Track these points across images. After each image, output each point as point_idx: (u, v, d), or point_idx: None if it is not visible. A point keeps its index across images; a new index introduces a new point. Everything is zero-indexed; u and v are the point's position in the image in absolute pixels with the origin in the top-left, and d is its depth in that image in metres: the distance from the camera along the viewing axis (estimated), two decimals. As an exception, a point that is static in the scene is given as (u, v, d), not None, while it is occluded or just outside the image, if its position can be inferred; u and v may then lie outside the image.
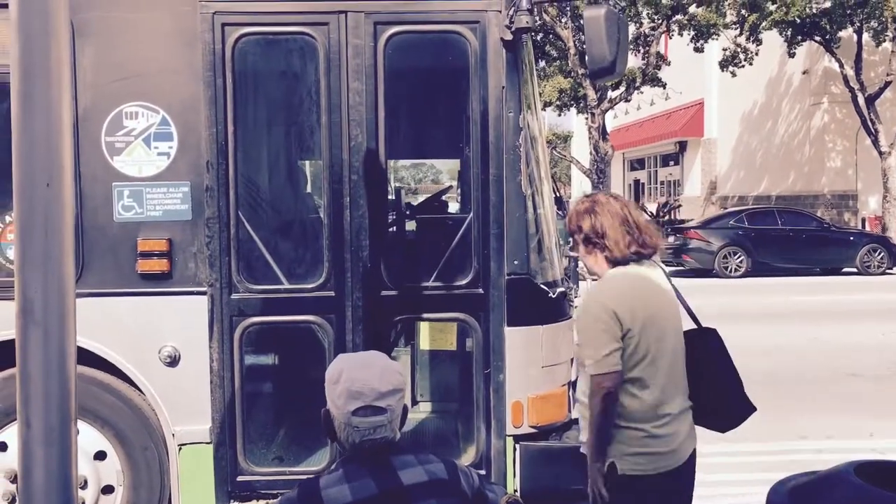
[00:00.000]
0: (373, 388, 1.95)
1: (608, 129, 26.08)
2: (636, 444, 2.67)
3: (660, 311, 2.73)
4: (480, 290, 3.87)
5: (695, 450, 2.87)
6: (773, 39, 23.35)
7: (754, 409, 3.00)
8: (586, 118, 25.26)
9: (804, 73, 26.54)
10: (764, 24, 21.99)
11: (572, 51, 22.81)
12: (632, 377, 2.65)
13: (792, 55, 23.41)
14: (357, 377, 1.97)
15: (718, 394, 2.90)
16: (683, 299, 2.91)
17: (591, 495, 2.68)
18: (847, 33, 22.64)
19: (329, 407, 2.02)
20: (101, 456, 3.70)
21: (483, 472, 3.83)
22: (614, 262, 2.76)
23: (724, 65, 23.96)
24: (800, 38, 22.64)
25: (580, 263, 4.86)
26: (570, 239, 2.91)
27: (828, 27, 21.88)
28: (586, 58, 3.70)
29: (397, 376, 2.01)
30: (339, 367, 2.02)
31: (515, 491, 3.78)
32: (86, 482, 3.66)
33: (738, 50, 23.27)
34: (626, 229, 2.75)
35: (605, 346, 2.60)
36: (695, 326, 2.98)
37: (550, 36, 24.80)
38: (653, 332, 2.68)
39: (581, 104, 26.92)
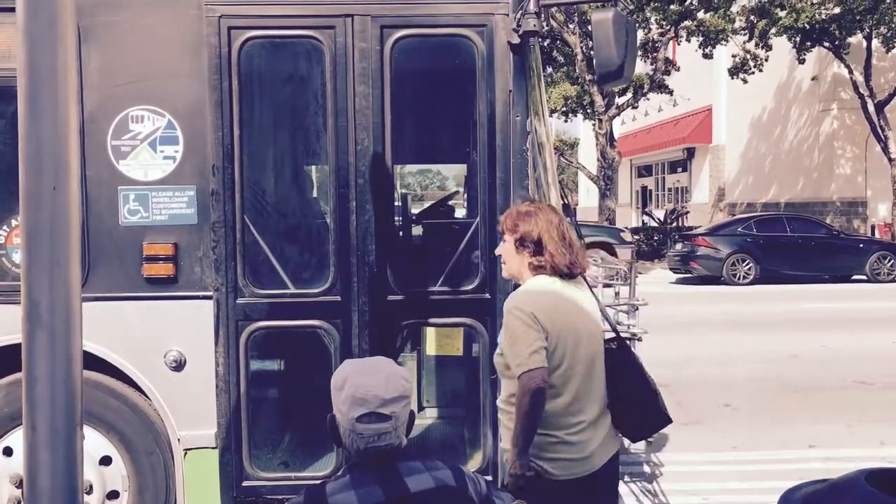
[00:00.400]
0: (377, 395, 1.93)
1: (615, 136, 26.05)
2: (549, 449, 2.72)
3: (577, 321, 2.78)
4: (487, 295, 3.86)
5: (616, 455, 2.91)
6: (782, 45, 23.30)
7: (669, 421, 3.04)
8: (593, 124, 25.25)
9: (813, 79, 26.46)
10: (773, 30, 21.95)
11: (580, 56, 22.80)
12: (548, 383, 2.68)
13: (801, 61, 23.34)
14: (361, 383, 1.95)
15: (633, 405, 2.92)
16: (608, 317, 3.00)
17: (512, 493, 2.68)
18: (856, 39, 22.57)
19: (335, 413, 2.00)
20: (106, 461, 3.69)
21: (490, 478, 3.81)
22: (539, 270, 2.80)
23: (733, 72, 23.93)
24: (809, 44, 22.58)
25: (590, 269, 4.85)
26: (501, 235, 2.90)
27: (837, 33, 21.81)
28: (594, 62, 3.69)
29: (403, 383, 1.99)
30: (344, 372, 2.01)
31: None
32: (91, 487, 3.65)
33: (748, 56, 23.22)
34: (562, 244, 2.79)
35: (531, 344, 2.64)
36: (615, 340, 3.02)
37: (558, 42, 24.82)
38: (569, 340, 2.73)
39: (588, 110, 26.91)
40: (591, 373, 2.80)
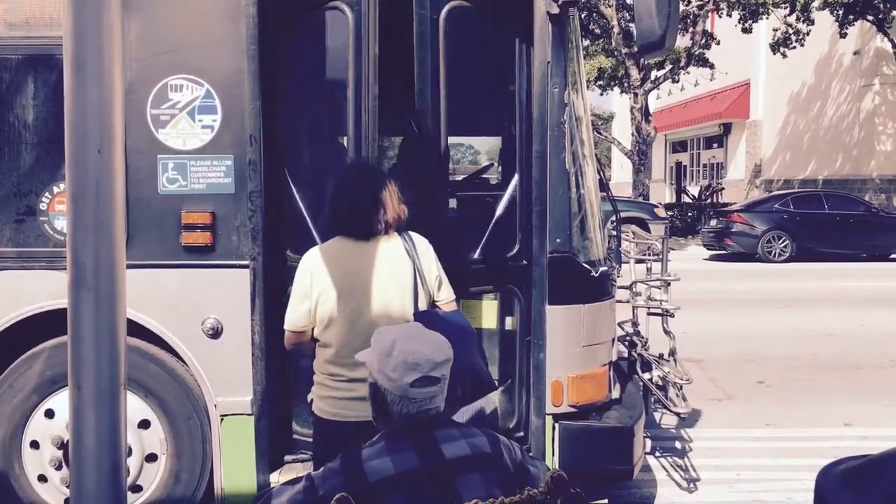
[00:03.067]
0: (429, 359, 1.96)
1: (651, 110, 25.72)
2: (328, 390, 2.95)
3: (365, 276, 2.95)
4: (524, 262, 3.86)
5: None
6: (823, 19, 22.77)
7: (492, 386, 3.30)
8: (629, 98, 24.94)
9: (855, 53, 25.84)
10: (816, 3, 21.44)
11: (616, 29, 22.48)
12: (326, 331, 2.94)
13: (843, 35, 22.80)
14: (413, 349, 1.97)
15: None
16: (420, 272, 3.03)
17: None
18: (900, 13, 21.99)
19: (378, 380, 2.00)
20: (144, 425, 3.76)
21: (526, 445, 3.82)
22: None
23: (774, 47, 23.45)
24: (852, 17, 22.03)
25: (623, 244, 4.82)
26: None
27: (881, 6, 21.25)
28: (634, 33, 3.63)
29: (447, 346, 2.03)
30: (389, 338, 2.01)
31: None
32: (130, 450, 3.72)
33: (790, 31, 22.73)
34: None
35: (298, 305, 2.96)
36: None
37: (594, 14, 24.47)
38: (353, 295, 2.93)
39: (624, 84, 26.58)
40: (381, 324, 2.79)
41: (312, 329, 3.00)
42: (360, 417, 2.70)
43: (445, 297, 3.13)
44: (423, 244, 3.10)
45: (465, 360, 2.80)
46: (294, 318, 2.98)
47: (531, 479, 2.04)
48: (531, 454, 3.63)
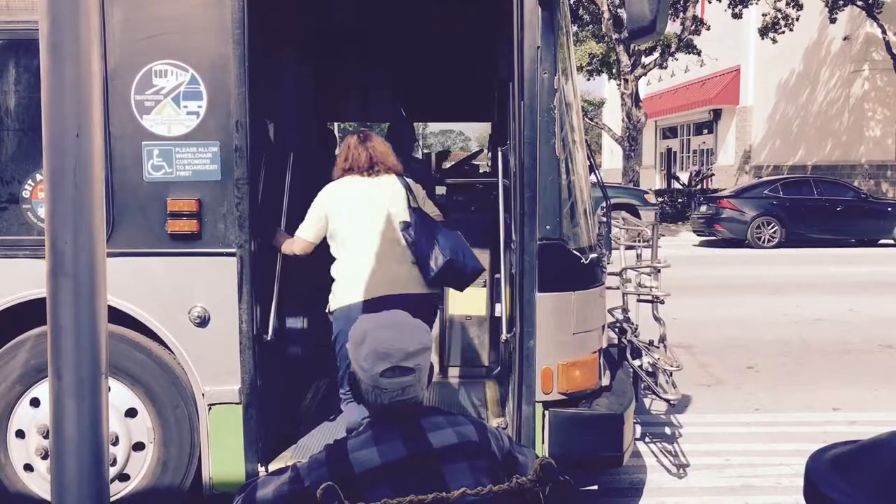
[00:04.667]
0: (400, 349, 1.92)
1: (641, 96, 25.68)
2: (343, 286, 3.84)
3: (373, 196, 3.88)
4: (514, 249, 3.84)
5: (411, 294, 3.84)
6: (813, 4, 22.75)
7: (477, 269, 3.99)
8: (619, 85, 24.90)
9: (845, 39, 25.85)
10: (805, -12, 21.43)
11: (606, 15, 22.42)
12: (337, 244, 3.90)
13: (833, 20, 22.80)
14: (384, 337, 1.93)
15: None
16: (413, 193, 3.99)
17: None
18: (890, -2, 22.01)
19: (354, 369, 1.99)
20: (131, 413, 3.73)
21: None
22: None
23: (763, 31, 23.43)
24: (841, 2, 22.03)
25: (613, 230, 4.81)
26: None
27: (871, -9, 21.27)
28: (625, 17, 3.60)
29: (424, 334, 1.98)
30: (362, 327, 1.98)
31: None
32: (117, 439, 3.70)
33: (779, 16, 22.72)
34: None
35: (315, 220, 3.90)
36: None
37: (584, 0, 24.41)
38: (353, 218, 3.86)
39: (613, 70, 26.54)
40: (378, 240, 3.84)
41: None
42: (371, 296, 3.74)
43: (432, 211, 4.11)
44: (412, 181, 4.05)
45: (458, 240, 3.89)
46: (309, 229, 3.89)
47: (520, 467, 2.02)
48: (519, 442, 3.63)
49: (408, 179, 4.03)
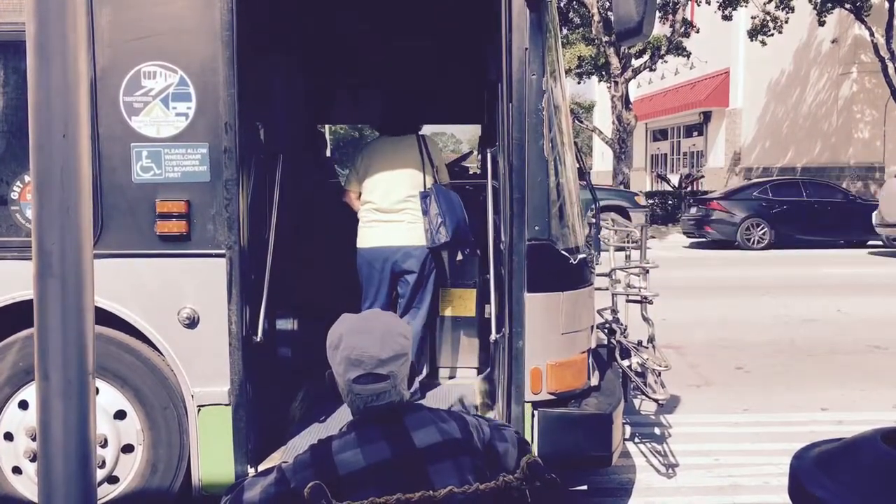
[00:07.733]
0: (372, 356, 1.88)
1: (631, 99, 25.75)
2: (368, 228, 4.70)
3: (400, 151, 4.74)
4: (503, 250, 3.85)
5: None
6: (802, 7, 22.87)
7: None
8: (609, 87, 24.96)
9: (833, 41, 26.00)
10: (794, -10, 21.54)
11: (596, 17, 22.48)
12: (364, 187, 4.76)
13: (822, 23, 22.92)
14: (356, 344, 1.90)
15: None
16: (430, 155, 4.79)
17: None
18: (878, 0, 22.13)
19: (332, 371, 1.98)
20: (120, 415, 3.72)
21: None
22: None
23: (752, 34, 23.54)
24: (830, 5, 22.15)
25: (602, 231, 4.83)
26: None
27: (859, -6, 21.39)
28: (612, 18, 3.61)
29: (399, 340, 1.93)
30: (338, 331, 1.96)
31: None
32: (106, 441, 3.69)
33: (768, 18, 22.83)
34: None
35: (353, 173, 4.86)
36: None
37: (574, 2, 24.46)
38: (376, 166, 4.75)
39: (603, 73, 26.60)
40: (394, 182, 4.70)
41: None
42: (390, 244, 4.60)
43: (444, 179, 4.85)
44: (432, 141, 4.85)
45: (460, 223, 4.57)
46: (350, 180, 4.86)
47: (500, 458, 2.02)
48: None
49: (427, 137, 4.82)
